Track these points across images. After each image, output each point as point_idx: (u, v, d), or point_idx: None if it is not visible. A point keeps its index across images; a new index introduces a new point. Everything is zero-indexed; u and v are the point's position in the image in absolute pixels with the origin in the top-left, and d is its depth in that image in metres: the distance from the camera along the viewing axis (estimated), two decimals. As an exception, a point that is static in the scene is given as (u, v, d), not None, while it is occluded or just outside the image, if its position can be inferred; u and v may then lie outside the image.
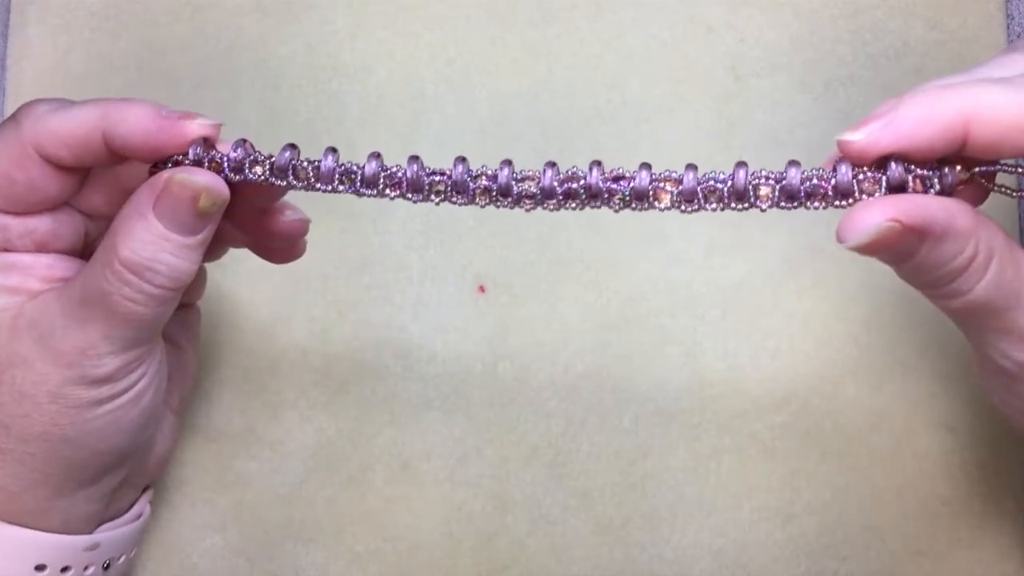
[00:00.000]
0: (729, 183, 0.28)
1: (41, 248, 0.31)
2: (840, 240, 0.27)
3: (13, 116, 0.30)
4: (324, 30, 0.41)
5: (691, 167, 0.28)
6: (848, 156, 0.27)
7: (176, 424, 0.36)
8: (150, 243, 0.28)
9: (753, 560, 0.39)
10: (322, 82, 0.41)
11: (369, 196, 0.29)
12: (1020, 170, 0.28)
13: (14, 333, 0.29)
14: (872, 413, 0.39)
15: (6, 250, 0.30)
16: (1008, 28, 0.41)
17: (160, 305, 0.29)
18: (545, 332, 0.40)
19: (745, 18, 0.41)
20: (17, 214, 0.30)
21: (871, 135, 0.27)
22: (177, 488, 0.40)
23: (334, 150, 0.29)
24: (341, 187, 0.29)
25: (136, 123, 0.28)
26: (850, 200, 0.28)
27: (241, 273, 0.40)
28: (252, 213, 0.32)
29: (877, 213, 0.26)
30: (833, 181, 0.28)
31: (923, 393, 0.39)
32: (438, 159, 0.40)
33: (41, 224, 0.31)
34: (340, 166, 0.29)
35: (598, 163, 0.28)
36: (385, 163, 0.29)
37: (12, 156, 0.29)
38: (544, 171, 0.28)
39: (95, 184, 0.31)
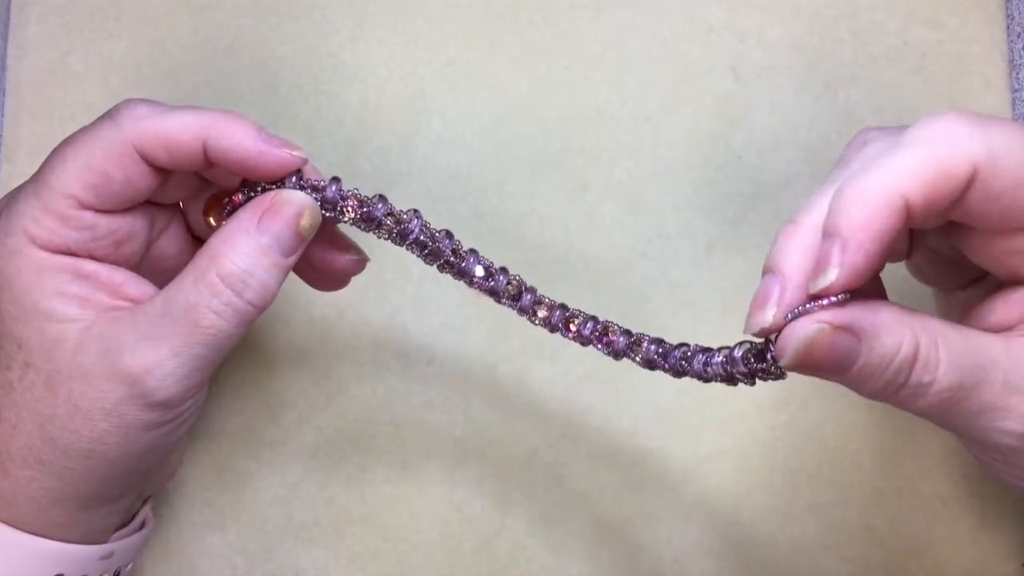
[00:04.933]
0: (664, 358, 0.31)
1: (119, 247, 0.31)
2: (779, 359, 0.26)
3: (110, 115, 0.30)
4: (324, 30, 0.41)
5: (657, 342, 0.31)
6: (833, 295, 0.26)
7: (185, 440, 0.36)
8: (249, 256, 0.30)
9: (754, 560, 0.39)
10: (322, 82, 0.41)
11: (428, 265, 0.32)
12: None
13: (80, 346, 0.29)
14: (872, 413, 0.39)
15: (90, 253, 0.30)
16: (1008, 28, 0.41)
17: (239, 323, 0.30)
18: (545, 333, 0.40)
19: (745, 18, 0.41)
20: (106, 212, 0.30)
21: (848, 265, 0.25)
22: (177, 488, 0.40)
23: (418, 214, 0.31)
24: (412, 250, 0.31)
25: (240, 141, 0.30)
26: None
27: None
28: (317, 243, 0.33)
29: (804, 322, 0.26)
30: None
31: (923, 393, 0.39)
32: (438, 160, 0.40)
33: (124, 223, 0.31)
34: (421, 232, 0.31)
35: (595, 318, 0.32)
36: (454, 240, 0.31)
37: (112, 154, 0.29)
38: (555, 310, 0.32)
39: (175, 178, 0.32)
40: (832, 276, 0.25)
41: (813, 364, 0.26)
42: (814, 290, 0.26)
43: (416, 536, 0.39)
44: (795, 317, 0.26)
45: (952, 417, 0.27)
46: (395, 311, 0.40)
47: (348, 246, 0.34)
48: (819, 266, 0.26)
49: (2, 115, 0.41)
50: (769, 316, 0.27)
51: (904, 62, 0.41)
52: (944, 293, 0.32)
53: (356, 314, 0.40)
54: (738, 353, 0.28)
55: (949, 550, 0.39)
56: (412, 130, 0.41)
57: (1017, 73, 0.40)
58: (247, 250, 0.30)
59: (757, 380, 0.29)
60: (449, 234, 0.31)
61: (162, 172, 0.31)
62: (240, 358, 0.40)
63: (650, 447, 0.39)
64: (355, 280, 0.40)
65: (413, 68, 0.41)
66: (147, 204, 0.32)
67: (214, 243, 0.30)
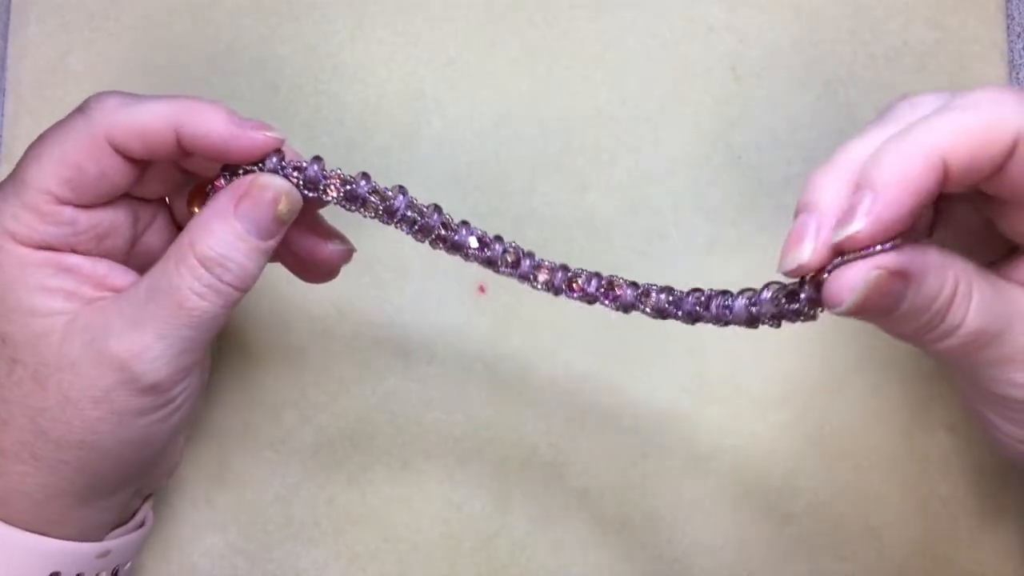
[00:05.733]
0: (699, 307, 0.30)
1: (101, 241, 0.31)
2: (832, 306, 0.26)
3: (81, 108, 0.30)
4: (324, 30, 0.41)
5: (665, 289, 0.30)
6: (856, 246, 0.26)
7: (186, 436, 0.36)
8: (226, 241, 0.29)
9: (753, 560, 0.39)
10: (322, 82, 0.41)
11: (420, 243, 0.31)
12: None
13: (66, 337, 0.29)
14: (872, 413, 0.39)
15: (72, 248, 0.30)
16: (1008, 28, 0.41)
17: (223, 304, 0.30)
18: (545, 332, 0.40)
19: (745, 18, 0.41)
20: (84, 207, 0.30)
21: (874, 216, 0.25)
22: (177, 488, 0.40)
23: (404, 190, 0.31)
24: (401, 227, 0.31)
25: (211, 127, 0.29)
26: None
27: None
28: (299, 230, 0.33)
29: (861, 268, 0.26)
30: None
31: (923, 393, 0.39)
32: (438, 160, 0.40)
33: (105, 217, 0.31)
34: (408, 208, 0.31)
35: (598, 274, 0.31)
36: (443, 213, 0.31)
37: (84, 147, 0.29)
38: (555, 272, 0.31)
39: (153, 170, 0.32)
40: (857, 226, 0.25)
41: (864, 310, 0.26)
42: (836, 239, 0.25)
43: (416, 536, 0.39)
44: (848, 261, 0.26)
45: (970, 363, 0.27)
46: (395, 311, 0.40)
47: (331, 234, 0.34)
48: (846, 216, 0.25)
49: (2, 115, 0.41)
50: (806, 253, 0.26)
51: (904, 62, 0.41)
52: None
53: (356, 314, 0.40)
54: (767, 294, 0.28)
55: (948, 550, 0.39)
56: (412, 130, 0.41)
57: (1017, 73, 0.40)
58: (224, 236, 0.30)
59: (784, 322, 0.28)
60: (438, 207, 0.31)
61: (138, 164, 0.31)
62: (240, 358, 0.40)
63: (650, 446, 0.39)
64: (355, 279, 0.40)
65: (413, 68, 0.41)
66: (130, 199, 0.32)
67: (192, 228, 0.30)
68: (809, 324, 0.39)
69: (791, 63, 0.41)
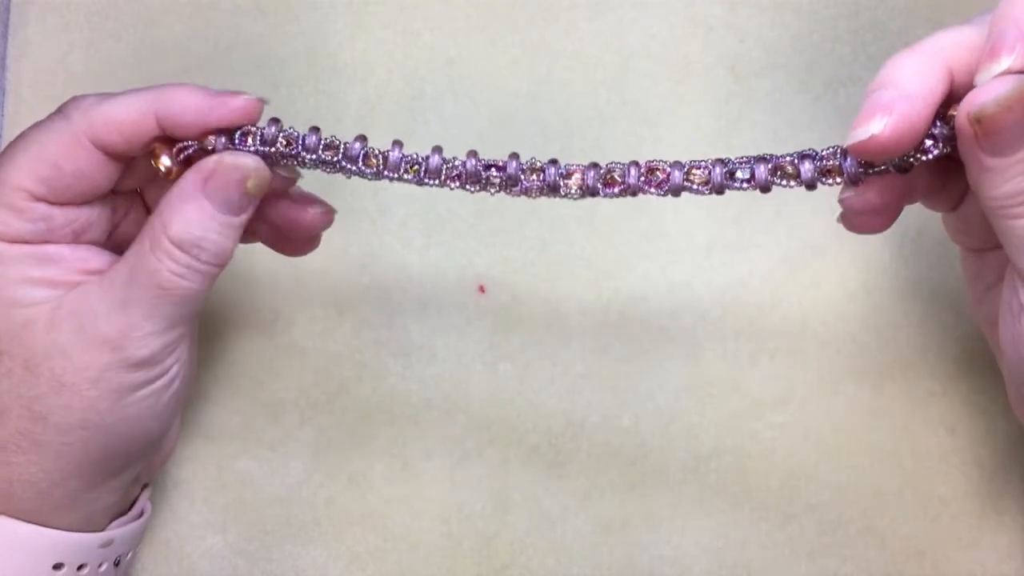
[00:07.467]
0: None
1: (77, 237, 0.31)
2: (974, 103, 0.24)
3: (60, 110, 0.31)
4: (324, 30, 0.41)
5: (719, 162, 0.29)
6: None
7: (179, 422, 0.36)
8: (198, 222, 0.30)
9: (753, 560, 0.39)
10: (322, 82, 0.41)
11: (432, 186, 0.31)
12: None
13: (52, 325, 0.30)
14: (872, 413, 0.39)
15: (45, 242, 0.31)
16: (1008, 28, 0.41)
17: (203, 281, 0.30)
18: (545, 332, 0.40)
19: (745, 18, 0.41)
20: (61, 204, 0.31)
21: None
22: (177, 488, 0.40)
23: (400, 143, 0.31)
24: (406, 176, 0.31)
25: (188, 102, 0.30)
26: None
27: (241, 273, 0.40)
28: (279, 202, 0.33)
29: (1010, 77, 0.24)
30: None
31: (923, 393, 0.39)
32: (438, 159, 0.40)
33: (81, 214, 0.31)
34: (405, 157, 0.31)
35: (636, 163, 0.30)
36: (444, 155, 0.31)
37: (62, 146, 0.30)
38: (587, 171, 0.30)
39: (131, 167, 0.32)
40: (1007, 62, 0.24)
41: (1000, 124, 0.24)
42: (987, 77, 0.24)
43: (416, 536, 0.39)
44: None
45: None
46: (395, 311, 0.40)
47: (309, 199, 0.34)
48: (992, 53, 0.24)
49: (2, 115, 0.41)
50: (876, 126, 0.25)
51: (904, 62, 0.40)
52: (976, 255, 0.32)
53: (356, 314, 0.40)
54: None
55: (949, 550, 0.39)
56: (412, 130, 0.41)
57: (1017, 73, 0.40)
58: (196, 217, 0.30)
59: (871, 172, 0.27)
60: (438, 148, 0.31)
61: (121, 161, 0.31)
62: (240, 358, 0.40)
63: (650, 446, 0.39)
64: (356, 279, 0.40)
65: (413, 68, 0.41)
66: (108, 194, 0.32)
67: (163, 210, 0.30)
68: (808, 324, 0.39)
69: (791, 63, 0.41)
